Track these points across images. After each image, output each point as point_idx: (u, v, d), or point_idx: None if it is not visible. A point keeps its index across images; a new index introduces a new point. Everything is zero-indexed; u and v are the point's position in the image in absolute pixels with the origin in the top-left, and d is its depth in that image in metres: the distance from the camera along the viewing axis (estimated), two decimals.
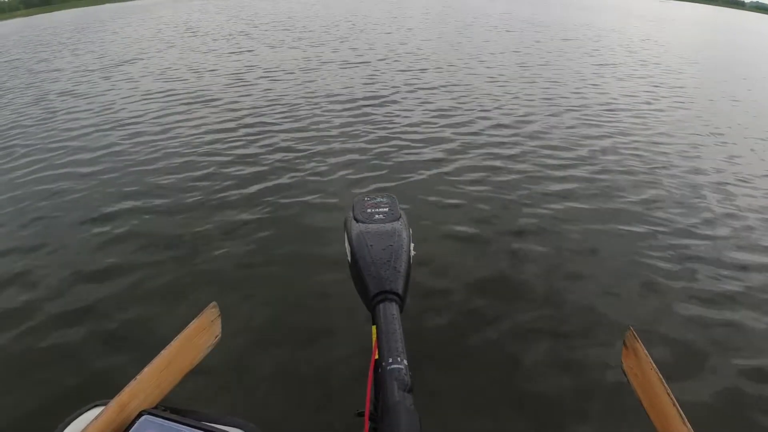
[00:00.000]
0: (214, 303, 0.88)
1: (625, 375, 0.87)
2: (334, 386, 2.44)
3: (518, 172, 5.18)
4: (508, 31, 19.12)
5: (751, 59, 16.92)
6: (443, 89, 8.76)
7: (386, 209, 0.86)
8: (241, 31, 17.65)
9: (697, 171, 5.54)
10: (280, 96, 8.24)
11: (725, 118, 8.02)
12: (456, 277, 3.44)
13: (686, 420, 0.69)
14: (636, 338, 0.86)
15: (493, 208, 4.42)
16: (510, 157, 5.61)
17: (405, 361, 0.59)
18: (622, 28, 23.46)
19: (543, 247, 3.82)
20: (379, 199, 0.89)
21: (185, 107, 7.71)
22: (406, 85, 9.03)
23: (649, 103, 8.60)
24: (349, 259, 0.78)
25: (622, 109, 8.00)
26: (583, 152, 5.89)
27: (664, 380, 0.75)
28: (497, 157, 5.60)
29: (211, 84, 9.35)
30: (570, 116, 7.41)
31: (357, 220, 0.83)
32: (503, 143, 6.07)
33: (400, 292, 0.70)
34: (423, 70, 10.48)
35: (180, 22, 22.63)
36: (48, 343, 2.88)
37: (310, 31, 17.46)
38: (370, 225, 0.82)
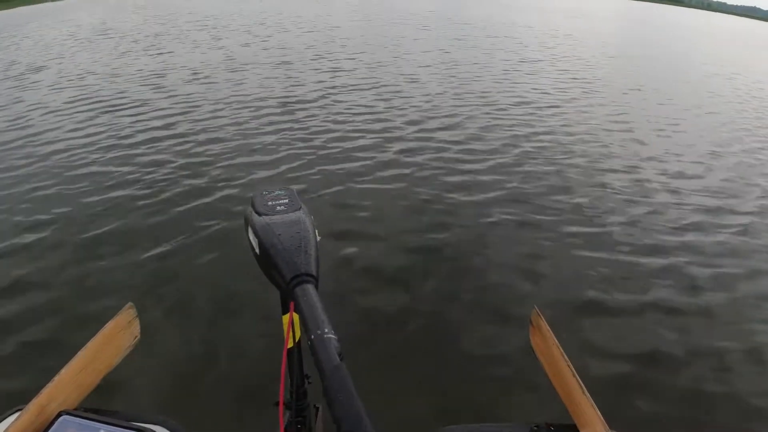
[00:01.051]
0: (130, 304, 0.88)
1: (533, 351, 0.92)
2: (252, 380, 2.48)
3: (434, 165, 5.36)
4: (425, 28, 19.49)
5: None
6: (366, 88, 8.87)
7: (286, 200, 0.89)
8: (157, 33, 17.07)
9: (604, 156, 5.91)
10: (193, 99, 8.09)
11: (632, 108, 8.57)
12: (365, 260, 3.62)
13: (585, 390, 0.75)
14: (540, 316, 0.91)
15: (408, 200, 4.59)
16: (428, 151, 5.80)
17: (333, 332, 0.61)
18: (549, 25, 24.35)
19: (457, 234, 4.03)
20: (277, 192, 0.92)
21: (92, 114, 7.43)
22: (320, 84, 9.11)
23: (568, 96, 9.03)
24: (257, 251, 0.80)
25: (531, 102, 8.37)
26: (501, 144, 6.15)
27: (565, 354, 0.81)
28: (415, 152, 5.75)
29: (124, 88, 9.04)
30: (485, 110, 7.70)
31: (259, 214, 0.85)
32: (421, 138, 6.27)
33: (314, 273, 0.73)
34: (336, 69, 10.57)
35: (95, 24, 21.65)
36: None
37: (231, 31, 17.14)
38: (274, 216, 0.84)
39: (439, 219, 4.23)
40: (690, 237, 4.16)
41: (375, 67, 10.84)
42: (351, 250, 3.72)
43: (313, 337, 0.61)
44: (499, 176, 5.10)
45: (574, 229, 4.15)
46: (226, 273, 3.43)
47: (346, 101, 7.88)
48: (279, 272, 0.74)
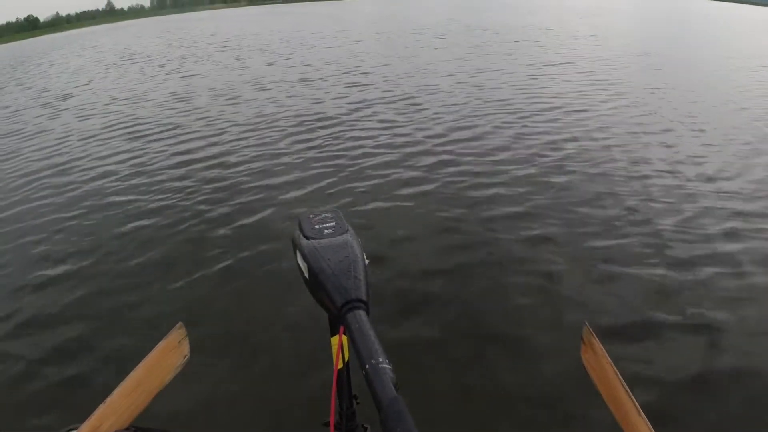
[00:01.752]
0: (180, 324, 0.89)
1: (585, 369, 0.91)
2: (302, 401, 2.47)
3: (462, 179, 5.29)
4: (440, 37, 19.54)
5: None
6: (388, 102, 8.90)
7: (333, 223, 0.89)
8: (182, 56, 17.41)
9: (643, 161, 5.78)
10: (220, 121, 8.23)
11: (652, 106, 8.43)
12: (415, 278, 3.58)
13: (640, 410, 0.73)
14: (591, 333, 0.90)
15: (448, 214, 4.52)
16: (459, 163, 5.75)
17: (388, 361, 0.61)
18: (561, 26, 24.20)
19: (489, 250, 3.94)
20: (324, 215, 0.92)
21: (123, 140, 7.58)
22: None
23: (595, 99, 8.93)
24: (307, 275, 0.79)
25: (557, 108, 8.23)
26: (528, 153, 6.04)
27: (619, 373, 0.80)
28: (449, 163, 5.71)
29: (152, 113, 9.23)
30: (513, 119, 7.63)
31: (307, 237, 0.85)
32: (453, 151, 6.19)
33: (364, 298, 0.73)
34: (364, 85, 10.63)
35: (119, 50, 22.19)
36: (19, 369, 2.93)
37: (255, 50, 17.42)
38: (322, 240, 0.83)
39: (470, 235, 4.14)
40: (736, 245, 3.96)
41: (396, 80, 10.88)
42: (388, 273, 3.67)
43: (368, 366, 0.60)
44: (527, 188, 4.98)
45: (611, 242, 3.97)
46: (271, 295, 3.44)
47: (372, 116, 7.91)
48: (329, 297, 0.73)
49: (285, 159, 6.10)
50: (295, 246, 0.85)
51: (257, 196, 5.07)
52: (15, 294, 3.75)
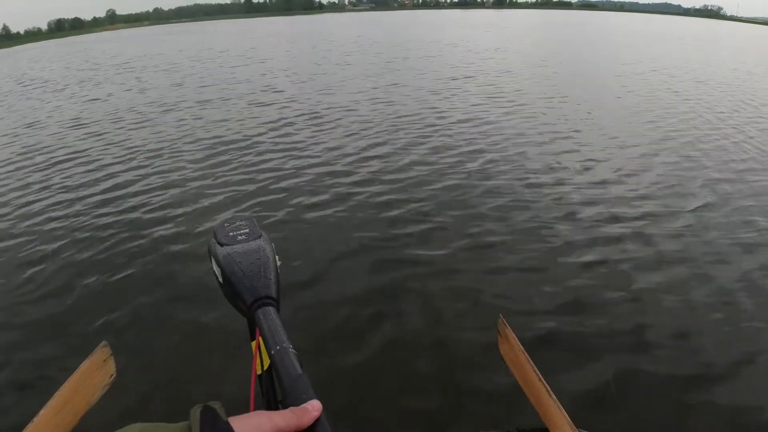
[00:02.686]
0: (104, 342, 0.90)
1: (502, 359, 0.97)
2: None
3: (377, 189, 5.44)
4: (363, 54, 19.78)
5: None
6: (300, 121, 8.92)
7: (247, 230, 0.92)
8: (81, 80, 16.67)
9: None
10: (133, 143, 7.94)
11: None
12: (328, 282, 3.68)
13: (552, 393, 0.79)
14: (506, 324, 0.96)
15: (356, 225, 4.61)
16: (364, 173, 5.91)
17: (291, 346, 0.65)
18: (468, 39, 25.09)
19: (413, 249, 4.11)
20: (238, 223, 0.95)
21: (35, 167, 7.16)
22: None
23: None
24: (221, 279, 0.83)
25: (469, 120, 8.57)
26: (451, 160, 6.29)
27: (531, 360, 0.85)
28: (365, 180, 5.79)
29: (57, 138, 8.77)
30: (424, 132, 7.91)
31: (221, 244, 0.88)
32: (355, 162, 6.35)
33: (273, 295, 0.78)
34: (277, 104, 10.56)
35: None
36: None
37: (163, 71, 16.94)
38: (235, 246, 0.87)
39: (387, 251, 4.19)
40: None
41: (307, 98, 10.91)
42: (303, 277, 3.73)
43: (272, 352, 0.65)
44: (438, 197, 5.16)
45: (524, 246, 4.14)
46: (194, 305, 3.43)
47: (285, 136, 7.87)
48: (241, 298, 0.78)
49: (194, 182, 5.97)
50: (210, 253, 0.89)
51: (169, 217, 4.98)
52: None
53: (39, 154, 7.63)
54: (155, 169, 6.45)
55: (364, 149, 6.87)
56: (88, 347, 0.86)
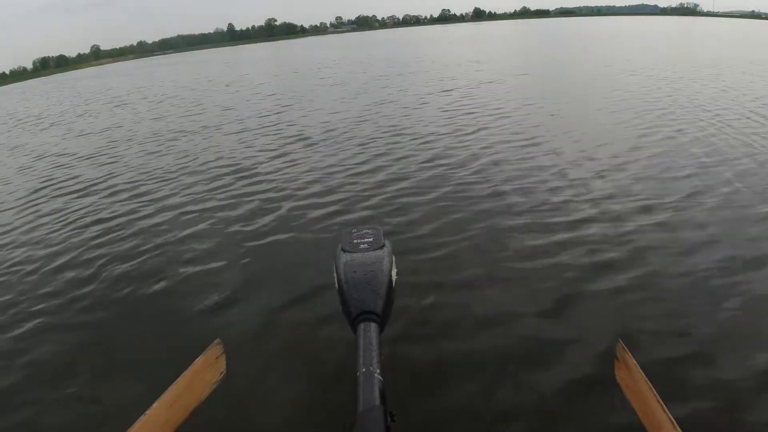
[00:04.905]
0: (218, 340, 0.92)
1: (619, 387, 0.90)
2: (339, 414, 2.35)
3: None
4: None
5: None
6: (295, 141, 9.08)
7: (371, 239, 0.92)
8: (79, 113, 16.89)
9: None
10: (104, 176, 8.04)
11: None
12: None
13: (677, 426, 0.71)
14: (625, 350, 0.90)
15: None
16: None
17: (379, 371, 0.63)
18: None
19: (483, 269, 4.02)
20: (365, 231, 0.95)
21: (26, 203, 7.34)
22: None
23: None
24: (336, 286, 0.83)
25: (451, 133, 8.77)
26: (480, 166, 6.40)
27: (654, 389, 0.79)
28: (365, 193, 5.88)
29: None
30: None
31: (344, 251, 0.89)
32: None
33: (379, 312, 0.76)
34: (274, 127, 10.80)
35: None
36: (55, 381, 3.07)
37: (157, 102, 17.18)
38: (355, 254, 0.88)
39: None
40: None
41: (302, 119, 11.11)
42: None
43: (358, 374, 0.63)
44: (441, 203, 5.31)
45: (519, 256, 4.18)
46: (312, 310, 3.51)
47: (283, 156, 7.98)
48: (347, 308, 0.78)
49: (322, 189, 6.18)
50: (334, 258, 0.90)
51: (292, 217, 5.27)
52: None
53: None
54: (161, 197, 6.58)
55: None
56: (202, 344, 0.89)
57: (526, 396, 2.62)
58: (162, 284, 4.14)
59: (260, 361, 3.03)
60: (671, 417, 0.73)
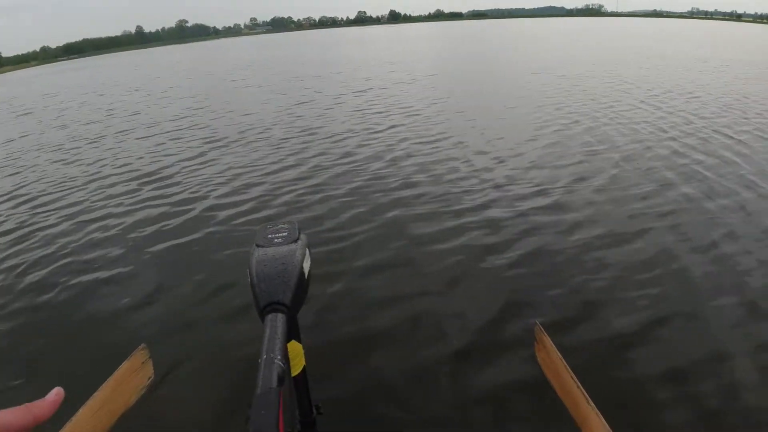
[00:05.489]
0: (143, 345, 0.93)
1: (539, 366, 0.95)
2: None
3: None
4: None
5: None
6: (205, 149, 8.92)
7: (285, 233, 0.93)
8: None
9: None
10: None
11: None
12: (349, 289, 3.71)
13: (590, 400, 0.77)
14: (543, 331, 0.94)
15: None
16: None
17: (280, 357, 0.65)
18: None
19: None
20: (281, 226, 0.96)
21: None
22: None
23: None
24: (249, 280, 0.84)
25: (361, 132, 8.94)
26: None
27: (569, 367, 0.84)
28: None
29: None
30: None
31: (258, 246, 0.90)
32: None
33: (287, 302, 0.78)
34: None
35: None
36: None
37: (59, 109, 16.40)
38: (268, 249, 0.88)
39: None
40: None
41: (215, 124, 10.81)
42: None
43: (260, 360, 0.65)
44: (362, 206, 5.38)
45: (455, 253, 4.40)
46: (237, 307, 3.49)
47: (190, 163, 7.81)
48: (256, 300, 0.79)
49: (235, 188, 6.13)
50: (249, 254, 0.90)
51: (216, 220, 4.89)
52: None
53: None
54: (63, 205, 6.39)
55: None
56: (127, 350, 0.90)
57: (444, 377, 2.73)
58: (79, 292, 4.00)
59: (186, 362, 2.99)
60: (585, 393, 0.78)
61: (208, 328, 3.34)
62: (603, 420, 0.74)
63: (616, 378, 2.64)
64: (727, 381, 2.59)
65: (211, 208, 5.53)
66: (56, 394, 0.54)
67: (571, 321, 3.12)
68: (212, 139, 9.20)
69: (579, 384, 0.80)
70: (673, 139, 7.17)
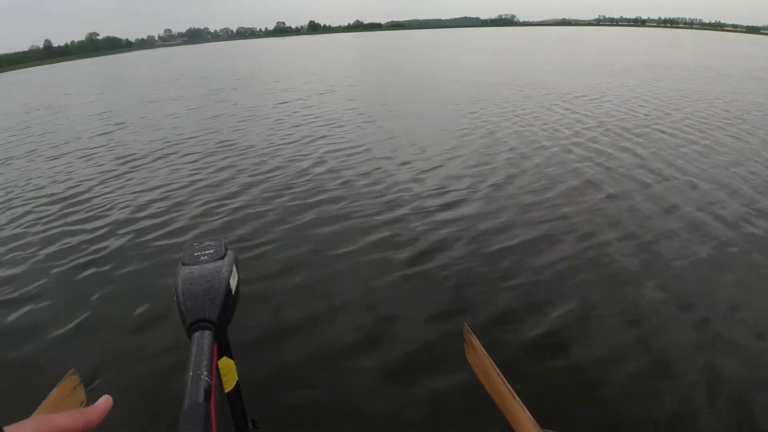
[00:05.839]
0: (73, 370, 0.91)
1: (469, 366, 0.99)
2: None
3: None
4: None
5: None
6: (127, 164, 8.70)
7: (212, 251, 0.92)
8: None
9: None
10: None
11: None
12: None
13: (516, 395, 0.81)
14: (471, 332, 0.98)
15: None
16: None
17: (207, 373, 0.66)
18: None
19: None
20: (207, 243, 0.95)
21: None
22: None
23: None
24: (175, 299, 0.83)
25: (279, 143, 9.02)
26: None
27: (495, 365, 0.88)
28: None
29: None
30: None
31: (184, 264, 0.89)
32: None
33: (214, 320, 0.78)
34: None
35: None
36: None
37: None
38: (194, 267, 0.88)
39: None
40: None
41: (134, 139, 10.53)
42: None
43: (186, 377, 0.65)
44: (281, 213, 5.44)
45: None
46: (162, 326, 3.47)
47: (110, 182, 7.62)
48: (183, 318, 0.79)
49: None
50: (175, 273, 0.89)
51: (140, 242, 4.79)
52: None
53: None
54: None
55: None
56: (57, 377, 0.88)
57: (379, 382, 2.81)
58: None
59: (118, 384, 2.96)
60: (511, 389, 0.82)
61: (137, 350, 3.29)
62: (528, 413, 0.78)
63: (539, 372, 2.82)
64: (630, 372, 2.83)
65: (134, 229, 5.36)
66: (106, 401, 0.57)
67: (496, 320, 3.32)
68: (130, 157, 8.85)
69: (505, 380, 0.84)
70: (578, 138, 7.98)
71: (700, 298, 3.50)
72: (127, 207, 6.08)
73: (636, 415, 2.52)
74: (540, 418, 0.78)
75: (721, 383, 2.70)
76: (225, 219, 5.40)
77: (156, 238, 5.04)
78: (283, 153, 8.09)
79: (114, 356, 3.25)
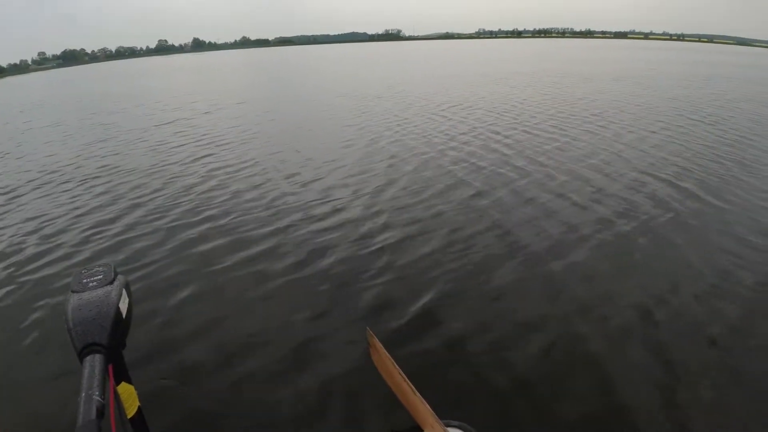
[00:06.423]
0: None
1: (375, 368, 1.05)
2: None
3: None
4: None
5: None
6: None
7: (101, 276, 0.92)
8: None
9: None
10: None
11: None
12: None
13: (416, 391, 0.87)
14: (373, 335, 1.05)
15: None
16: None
17: (99, 393, 0.68)
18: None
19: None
20: (96, 269, 0.95)
21: None
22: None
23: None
24: (65, 327, 0.83)
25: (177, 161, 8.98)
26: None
27: (396, 364, 0.93)
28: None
29: None
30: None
31: (73, 292, 0.89)
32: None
33: (105, 343, 0.79)
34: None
35: None
36: None
37: None
38: (83, 293, 0.88)
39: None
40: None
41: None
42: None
43: (78, 399, 0.67)
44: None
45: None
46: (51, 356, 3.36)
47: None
48: (74, 344, 0.80)
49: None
50: (65, 300, 0.89)
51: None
52: None
53: None
54: None
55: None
56: None
57: (286, 390, 2.88)
58: None
59: (12, 419, 2.88)
60: (411, 385, 0.88)
61: (30, 383, 3.21)
62: (428, 406, 0.85)
63: (435, 368, 3.01)
64: (491, 339, 3.21)
65: (21, 259, 5.15)
66: None
67: (390, 322, 3.49)
68: (7, 188, 8.44)
69: (406, 378, 0.90)
70: (455, 142, 8.54)
71: (558, 275, 4.01)
72: (12, 238, 5.81)
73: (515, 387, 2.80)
74: (438, 410, 0.86)
75: (576, 344, 3.13)
76: (110, 243, 5.33)
77: (38, 268, 4.89)
78: (168, 173, 8.03)
79: (5, 391, 3.17)
